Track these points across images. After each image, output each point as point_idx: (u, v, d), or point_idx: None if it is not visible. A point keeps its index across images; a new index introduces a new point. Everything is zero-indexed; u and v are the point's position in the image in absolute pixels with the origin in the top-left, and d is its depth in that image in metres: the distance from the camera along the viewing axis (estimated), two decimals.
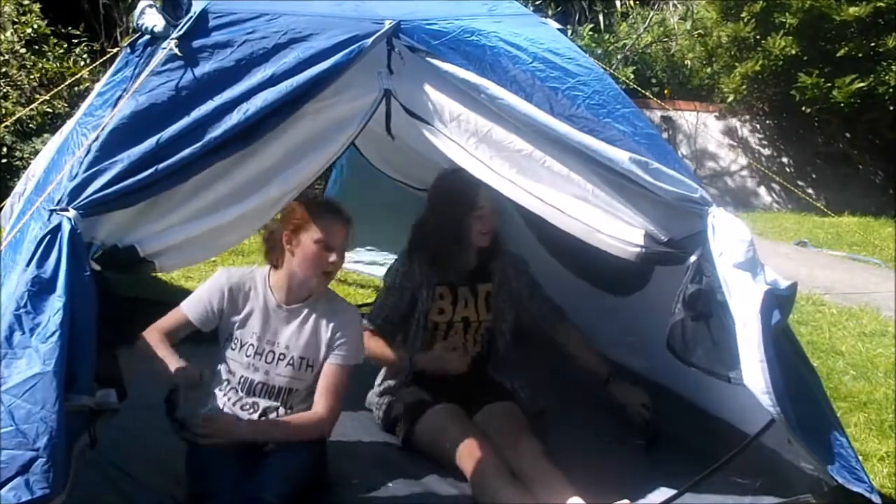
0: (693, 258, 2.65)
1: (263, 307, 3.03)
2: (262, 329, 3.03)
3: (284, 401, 3.03)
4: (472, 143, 2.72)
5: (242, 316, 3.03)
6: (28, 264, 2.21)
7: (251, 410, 3.01)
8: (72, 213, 2.28)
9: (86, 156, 2.38)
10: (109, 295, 2.40)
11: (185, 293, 5.17)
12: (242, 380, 3.02)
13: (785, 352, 2.66)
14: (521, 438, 3.08)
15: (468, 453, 2.99)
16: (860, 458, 2.81)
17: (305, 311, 3.04)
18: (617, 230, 2.68)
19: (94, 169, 2.36)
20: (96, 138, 2.40)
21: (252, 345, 3.02)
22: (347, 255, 5.15)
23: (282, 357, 3.02)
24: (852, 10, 8.97)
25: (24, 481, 2.04)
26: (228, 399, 3.03)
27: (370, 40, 2.62)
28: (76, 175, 2.37)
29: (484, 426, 3.17)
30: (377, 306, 3.49)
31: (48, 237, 2.24)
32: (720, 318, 2.64)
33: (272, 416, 3.01)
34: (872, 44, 9.07)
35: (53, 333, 2.15)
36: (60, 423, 2.10)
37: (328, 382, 3.02)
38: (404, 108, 2.75)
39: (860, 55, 9.11)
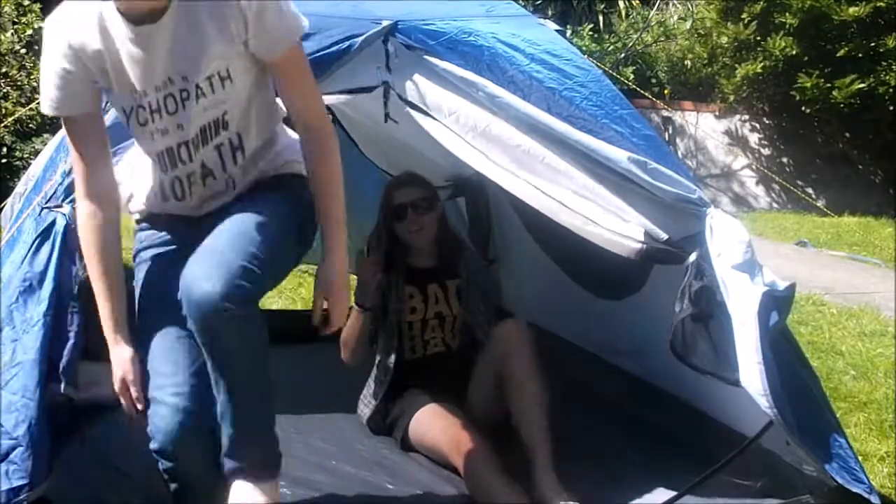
0: (693, 257, 2.65)
1: (114, 49, 2.07)
2: (132, 76, 2.09)
3: (223, 144, 2.21)
4: (469, 137, 2.72)
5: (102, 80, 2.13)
6: (22, 261, 2.22)
7: (188, 188, 2.25)
8: (66, 209, 2.28)
9: None
10: None
11: None
12: (161, 156, 2.21)
13: (784, 353, 2.65)
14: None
15: (458, 448, 2.99)
16: (860, 458, 2.80)
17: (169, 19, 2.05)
18: (618, 226, 2.68)
19: None
20: None
21: (134, 107, 2.14)
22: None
23: (171, 95, 2.11)
24: (852, 10, 8.96)
25: (3, 471, 2.04)
26: (158, 195, 2.29)
27: (362, 37, 2.62)
28: (70, 172, 2.36)
29: (474, 405, 3.24)
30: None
31: (42, 234, 2.24)
32: (721, 319, 2.63)
33: (220, 175, 2.23)
34: (872, 44, 9.07)
35: (36, 323, 2.15)
36: (41, 412, 2.09)
37: (288, 80, 2.20)
38: (401, 99, 2.75)
39: (860, 55, 9.11)
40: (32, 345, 2.13)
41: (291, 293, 5.48)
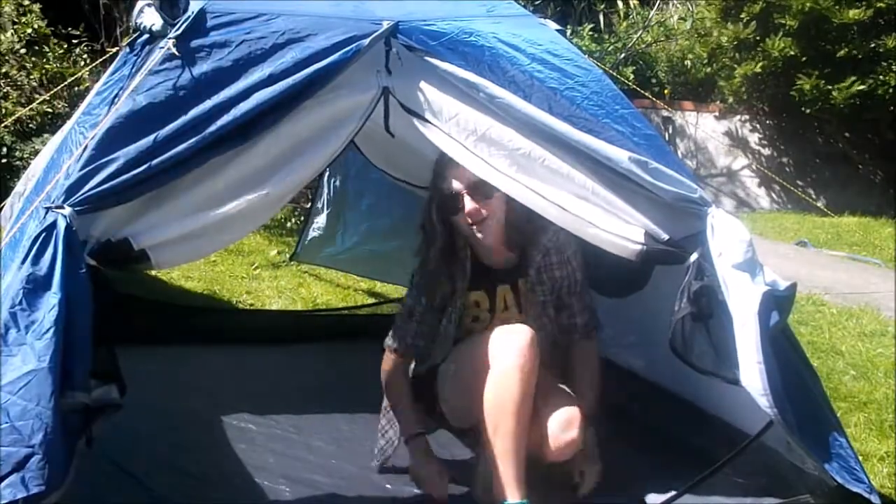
0: (693, 257, 2.65)
1: None
2: None
3: None
4: (470, 141, 2.71)
5: None
6: (23, 262, 2.21)
7: None
8: (67, 210, 2.28)
9: (83, 154, 2.38)
10: (109, 291, 2.39)
11: (185, 293, 5.23)
12: None
13: (784, 352, 2.65)
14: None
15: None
16: (860, 458, 2.80)
17: None
18: (617, 228, 2.68)
19: (91, 167, 2.35)
20: (93, 137, 2.40)
21: None
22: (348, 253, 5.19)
23: None
24: (852, 12, 8.95)
25: (20, 478, 2.04)
26: None
27: (368, 40, 2.62)
28: (72, 173, 2.37)
29: None
30: (403, 321, 3.03)
31: (43, 235, 2.24)
32: (722, 319, 2.64)
33: None
34: (872, 45, 9.06)
35: (48, 330, 2.14)
36: (56, 420, 2.09)
37: None
38: (402, 106, 2.75)
39: (860, 56, 9.10)
40: (46, 353, 2.13)
41: (292, 293, 5.48)
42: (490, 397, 2.74)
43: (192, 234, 2.52)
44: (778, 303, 2.59)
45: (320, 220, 5.17)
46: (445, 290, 2.99)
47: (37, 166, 3.47)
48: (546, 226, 2.93)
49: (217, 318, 4.85)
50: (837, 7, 9.05)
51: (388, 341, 3.06)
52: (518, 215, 2.90)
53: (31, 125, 6.79)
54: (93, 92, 3.03)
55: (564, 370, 3.08)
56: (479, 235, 2.89)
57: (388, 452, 3.09)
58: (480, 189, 2.83)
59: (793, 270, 6.21)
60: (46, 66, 7.14)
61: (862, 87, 8.96)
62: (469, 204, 2.84)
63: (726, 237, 2.60)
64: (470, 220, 2.85)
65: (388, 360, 3.06)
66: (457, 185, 2.85)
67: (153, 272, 4.93)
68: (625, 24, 11.17)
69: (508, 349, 2.73)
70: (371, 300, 5.38)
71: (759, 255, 2.64)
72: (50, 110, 6.83)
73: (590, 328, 3.12)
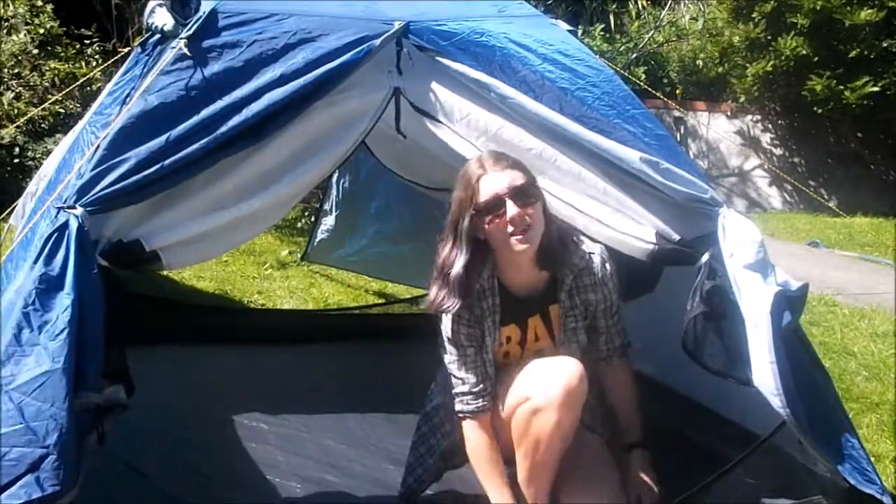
0: (705, 258, 2.64)
1: None
2: None
3: None
4: (481, 141, 2.72)
5: None
6: (35, 262, 2.22)
7: None
8: (79, 210, 2.29)
9: (94, 154, 2.39)
10: (120, 291, 2.40)
11: (197, 293, 5.25)
12: None
13: (796, 352, 2.64)
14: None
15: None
16: (872, 459, 2.79)
17: None
18: (629, 228, 2.68)
19: (103, 167, 2.36)
20: (105, 137, 2.40)
21: None
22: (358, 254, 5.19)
23: None
24: (864, 13, 8.93)
25: (35, 478, 2.05)
26: None
27: (379, 40, 2.63)
28: (84, 173, 2.37)
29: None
30: (452, 385, 2.75)
31: (55, 235, 2.24)
32: (734, 319, 2.63)
33: None
34: (885, 45, 9.03)
35: (62, 331, 2.15)
36: (70, 420, 2.10)
37: None
38: (413, 106, 2.75)
39: (872, 56, 9.08)
40: (60, 353, 2.14)
41: (303, 293, 5.49)
42: (522, 424, 2.64)
43: (203, 235, 2.52)
44: (790, 303, 2.58)
45: (328, 222, 5.18)
46: (476, 333, 2.74)
47: (49, 166, 3.48)
48: (577, 246, 2.78)
49: (229, 318, 4.86)
50: (848, 8, 9.03)
51: (458, 407, 2.76)
52: (549, 232, 2.68)
53: (43, 125, 6.82)
54: (104, 92, 3.04)
55: (599, 393, 2.91)
56: (520, 246, 2.60)
57: (416, 490, 2.92)
58: (523, 193, 2.58)
59: (805, 271, 6.20)
60: (58, 67, 7.17)
61: (875, 87, 8.94)
62: (512, 208, 2.56)
63: (738, 237, 2.59)
64: (513, 228, 2.57)
65: (467, 429, 2.76)
66: (499, 189, 2.57)
67: (165, 272, 4.94)
68: (636, 24, 11.16)
69: (554, 383, 2.59)
70: (382, 300, 5.39)
71: (771, 256, 2.63)
72: (62, 110, 6.86)
73: (625, 346, 2.95)
